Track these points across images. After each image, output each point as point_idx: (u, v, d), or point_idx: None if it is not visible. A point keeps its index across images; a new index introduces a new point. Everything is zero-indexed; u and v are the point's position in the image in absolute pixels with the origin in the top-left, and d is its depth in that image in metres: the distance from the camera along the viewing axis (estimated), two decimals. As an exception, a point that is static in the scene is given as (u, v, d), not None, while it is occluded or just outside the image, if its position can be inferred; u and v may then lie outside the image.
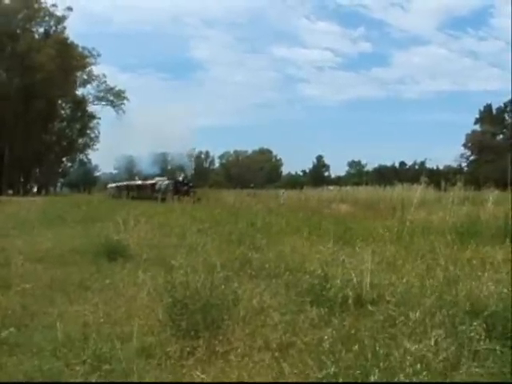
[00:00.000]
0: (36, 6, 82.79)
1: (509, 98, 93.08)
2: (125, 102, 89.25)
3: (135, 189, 66.79)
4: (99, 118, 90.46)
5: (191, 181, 63.27)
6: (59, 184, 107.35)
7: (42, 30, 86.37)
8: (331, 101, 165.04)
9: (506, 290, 6.08)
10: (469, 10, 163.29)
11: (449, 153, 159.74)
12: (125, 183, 76.33)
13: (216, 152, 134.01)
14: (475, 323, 5.11)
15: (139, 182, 70.30)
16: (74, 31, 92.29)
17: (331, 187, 58.36)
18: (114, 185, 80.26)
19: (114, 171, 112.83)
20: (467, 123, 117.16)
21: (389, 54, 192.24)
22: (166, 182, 62.02)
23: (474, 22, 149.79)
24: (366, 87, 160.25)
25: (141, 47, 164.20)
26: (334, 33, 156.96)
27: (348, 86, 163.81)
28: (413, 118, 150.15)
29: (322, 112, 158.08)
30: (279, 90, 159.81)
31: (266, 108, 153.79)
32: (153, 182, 65.70)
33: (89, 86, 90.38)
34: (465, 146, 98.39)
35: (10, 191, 77.14)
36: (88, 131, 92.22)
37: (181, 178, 61.94)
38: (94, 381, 4.46)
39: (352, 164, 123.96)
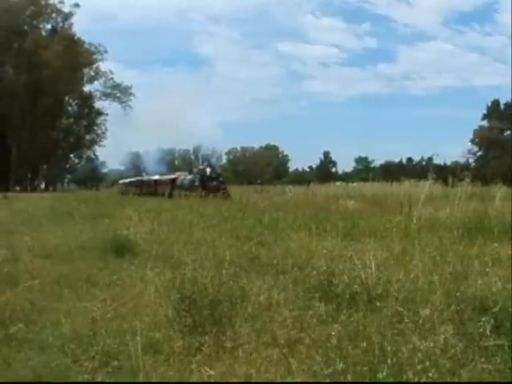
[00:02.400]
0: (43, 2, 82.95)
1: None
2: (131, 98, 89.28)
3: (151, 184, 60.89)
4: (106, 115, 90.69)
5: (221, 175, 53.79)
6: (66, 180, 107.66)
7: (49, 26, 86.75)
8: (337, 97, 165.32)
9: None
10: (474, 6, 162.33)
11: (456, 149, 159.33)
12: (138, 178, 72.20)
13: (223, 148, 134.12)
14: (483, 319, 5.09)
15: (156, 177, 63.92)
16: (80, 28, 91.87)
17: (338, 183, 58.24)
18: (126, 180, 76.90)
19: (121, 167, 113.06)
20: (474, 119, 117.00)
21: (394, 49, 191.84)
22: (190, 176, 54.63)
23: (479, 17, 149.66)
24: (371, 83, 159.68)
25: (146, 43, 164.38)
26: (339, 29, 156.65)
27: (354, 82, 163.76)
28: (419, 114, 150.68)
29: (328, 108, 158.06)
30: (285, 85, 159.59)
31: (271, 104, 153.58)
32: (173, 176, 58.68)
33: (96, 83, 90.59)
34: (472, 141, 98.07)
35: (18, 187, 77.41)
36: (95, 127, 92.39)
37: (208, 172, 52.17)
38: (100, 379, 4.46)
39: (359, 160, 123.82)
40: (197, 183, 48.76)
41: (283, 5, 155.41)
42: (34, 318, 6.27)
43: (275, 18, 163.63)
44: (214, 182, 48.32)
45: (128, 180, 77.36)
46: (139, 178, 73.62)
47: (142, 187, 62.84)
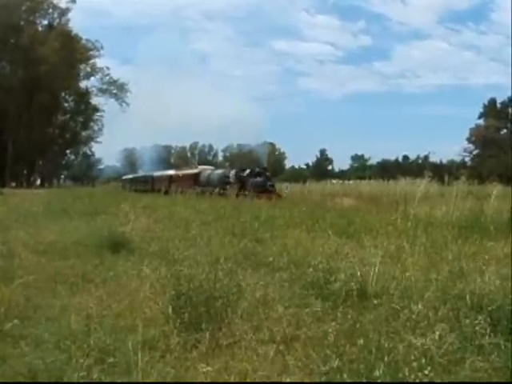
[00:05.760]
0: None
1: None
2: (128, 94, 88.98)
3: (163, 180, 50.57)
4: (103, 111, 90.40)
5: (267, 170, 40.86)
6: (62, 176, 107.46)
7: (45, 22, 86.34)
8: (332, 94, 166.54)
9: (510, 284, 6.08)
10: (469, 4, 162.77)
11: (452, 147, 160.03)
12: (147, 173, 65.29)
13: (219, 145, 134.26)
14: (480, 317, 5.10)
15: (171, 172, 56.44)
16: (75, 24, 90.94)
17: (334, 181, 58.19)
18: (130, 176, 73.75)
19: (117, 164, 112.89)
20: (469, 117, 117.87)
21: (389, 47, 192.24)
22: (220, 171, 46.52)
23: (474, 15, 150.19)
24: (367, 81, 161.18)
25: (141, 40, 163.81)
26: (334, 26, 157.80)
27: (349, 80, 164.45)
28: (415, 112, 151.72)
29: (324, 105, 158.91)
30: (280, 83, 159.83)
31: (267, 101, 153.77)
32: (195, 171, 50.31)
33: (92, 79, 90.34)
34: (468, 140, 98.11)
35: (14, 183, 77.27)
36: (91, 124, 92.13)
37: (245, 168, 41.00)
38: (95, 376, 4.44)
39: (355, 158, 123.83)
40: (232, 179, 39.30)
41: (277, 2, 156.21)
42: (30, 314, 6.25)
43: (269, 16, 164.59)
44: (258, 178, 37.84)
45: (133, 176, 73.43)
46: (147, 172, 66.50)
47: (151, 184, 55.67)
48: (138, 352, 4.68)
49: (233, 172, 41.17)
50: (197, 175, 46.99)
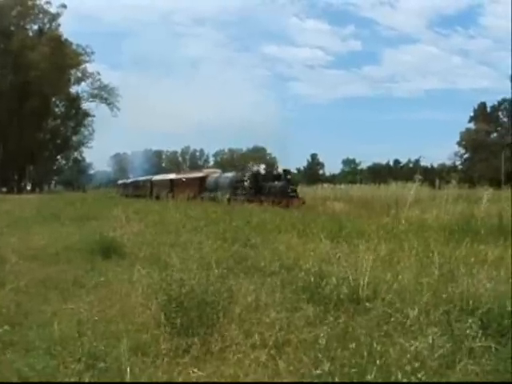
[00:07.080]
0: (30, 2, 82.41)
1: (500, 96, 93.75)
2: (118, 99, 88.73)
3: (164, 185, 47.59)
4: (94, 116, 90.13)
5: (289, 173, 35.98)
6: (53, 182, 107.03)
7: (35, 27, 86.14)
8: (323, 99, 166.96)
9: (501, 288, 6.11)
10: (457, 9, 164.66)
11: (443, 151, 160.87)
12: (146, 178, 60.77)
13: (210, 150, 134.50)
14: (470, 321, 5.11)
15: (172, 176, 51.98)
16: (65, 29, 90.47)
17: (326, 185, 58.16)
18: (128, 181, 71.70)
19: (108, 169, 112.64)
20: (458, 121, 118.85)
21: (379, 52, 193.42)
22: (230, 174, 41.18)
23: (463, 20, 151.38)
24: (357, 85, 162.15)
25: (131, 45, 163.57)
26: (323, 31, 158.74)
27: (339, 84, 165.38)
28: (405, 116, 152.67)
29: (314, 110, 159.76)
30: (271, 88, 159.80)
31: (258, 106, 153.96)
32: (200, 174, 46.25)
33: (83, 84, 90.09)
34: (459, 144, 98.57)
35: (4, 189, 76.92)
36: (82, 129, 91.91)
37: (261, 169, 36.19)
38: (87, 380, 4.42)
39: (346, 162, 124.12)
40: (247, 183, 34.87)
41: (268, 7, 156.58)
42: (20, 319, 6.21)
43: (260, 21, 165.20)
44: (277, 182, 33.18)
45: (129, 180, 71.68)
46: (144, 176, 62.82)
47: (150, 189, 52.20)
48: (129, 357, 4.66)
49: (247, 175, 36.29)
50: (203, 179, 43.15)
